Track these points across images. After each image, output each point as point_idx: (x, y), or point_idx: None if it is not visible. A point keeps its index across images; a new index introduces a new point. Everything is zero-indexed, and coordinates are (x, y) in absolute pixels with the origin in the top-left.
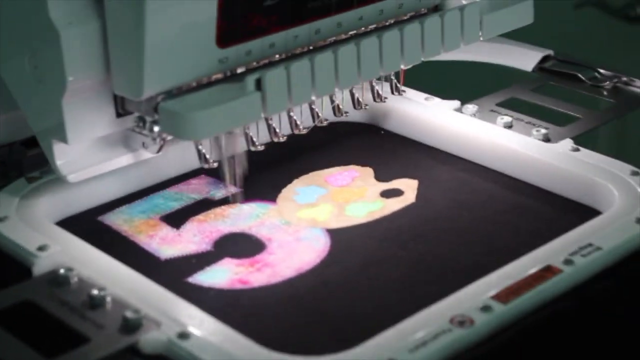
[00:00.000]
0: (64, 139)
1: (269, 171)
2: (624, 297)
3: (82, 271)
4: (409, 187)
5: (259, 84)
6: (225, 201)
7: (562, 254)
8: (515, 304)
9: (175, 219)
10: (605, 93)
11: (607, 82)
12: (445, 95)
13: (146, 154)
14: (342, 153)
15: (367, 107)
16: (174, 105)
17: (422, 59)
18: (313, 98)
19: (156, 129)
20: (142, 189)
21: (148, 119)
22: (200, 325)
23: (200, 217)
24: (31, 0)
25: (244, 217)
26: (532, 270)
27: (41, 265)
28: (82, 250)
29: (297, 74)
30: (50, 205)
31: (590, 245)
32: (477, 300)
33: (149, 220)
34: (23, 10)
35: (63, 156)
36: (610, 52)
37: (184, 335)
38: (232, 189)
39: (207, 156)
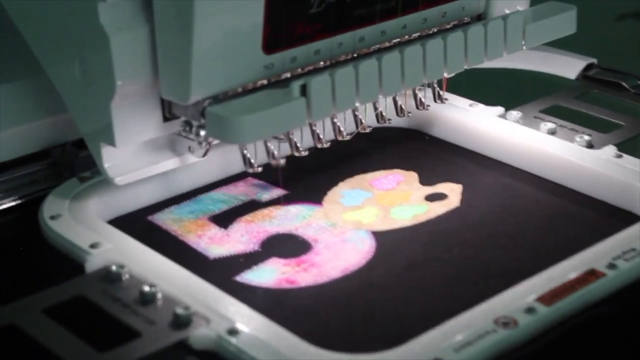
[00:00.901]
0: (112, 142)
1: (315, 175)
2: None
3: (133, 268)
4: (453, 192)
5: (304, 90)
6: (271, 203)
7: (606, 258)
8: (559, 307)
9: (223, 219)
10: None
11: None
12: (487, 102)
13: (192, 158)
14: (386, 158)
15: (409, 114)
16: (221, 110)
17: (465, 67)
18: (357, 104)
19: (202, 133)
20: (190, 190)
21: (195, 123)
22: (249, 322)
23: (248, 217)
24: (81, 5)
25: (291, 218)
26: (576, 274)
27: (93, 262)
28: (133, 248)
29: (342, 81)
30: (101, 205)
31: (633, 250)
32: (521, 302)
33: (198, 220)
34: (73, 15)
35: (111, 159)
36: None
37: (233, 332)
38: (279, 191)
39: (252, 161)
